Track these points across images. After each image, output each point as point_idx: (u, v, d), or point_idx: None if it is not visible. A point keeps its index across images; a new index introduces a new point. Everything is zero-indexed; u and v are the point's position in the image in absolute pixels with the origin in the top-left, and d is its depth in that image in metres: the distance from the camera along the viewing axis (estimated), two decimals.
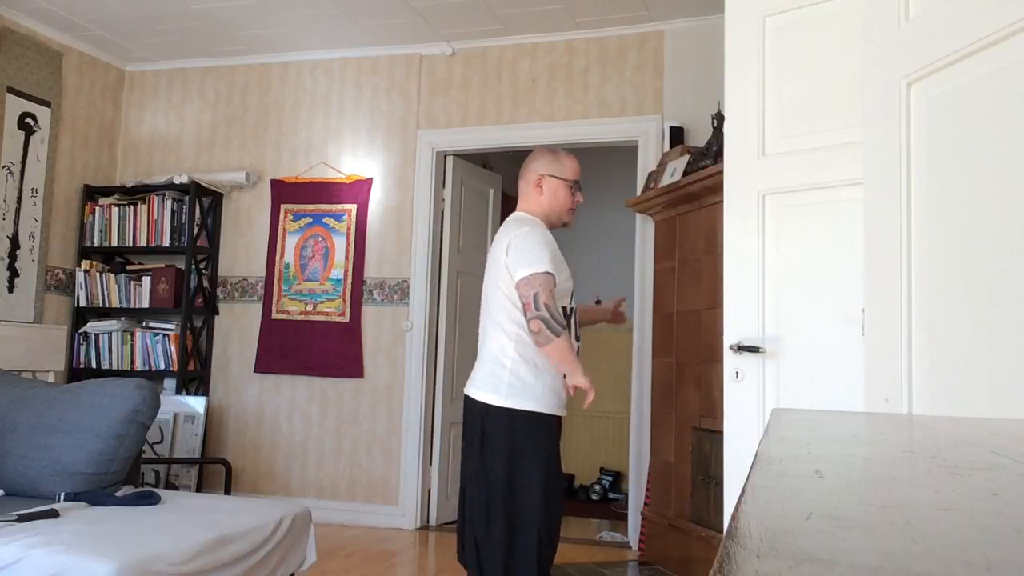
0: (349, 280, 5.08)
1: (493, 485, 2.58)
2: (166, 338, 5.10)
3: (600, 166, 6.26)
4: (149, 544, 2.29)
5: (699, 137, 4.41)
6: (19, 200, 4.84)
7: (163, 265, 5.19)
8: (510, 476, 2.57)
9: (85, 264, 5.20)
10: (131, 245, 5.23)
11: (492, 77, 5.01)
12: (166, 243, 5.16)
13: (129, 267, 5.34)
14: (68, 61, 5.17)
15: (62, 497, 2.75)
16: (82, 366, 5.16)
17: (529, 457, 2.57)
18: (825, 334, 2.57)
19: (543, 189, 2.75)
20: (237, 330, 5.27)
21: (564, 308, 2.67)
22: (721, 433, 2.87)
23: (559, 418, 2.69)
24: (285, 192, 5.26)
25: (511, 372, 2.60)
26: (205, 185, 5.21)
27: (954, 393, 1.63)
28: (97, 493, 2.79)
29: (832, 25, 2.57)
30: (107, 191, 5.32)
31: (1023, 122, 1.49)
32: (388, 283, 5.04)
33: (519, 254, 2.57)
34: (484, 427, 2.63)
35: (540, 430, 2.60)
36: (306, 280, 5.16)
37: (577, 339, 2.76)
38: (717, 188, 3.33)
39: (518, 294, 2.57)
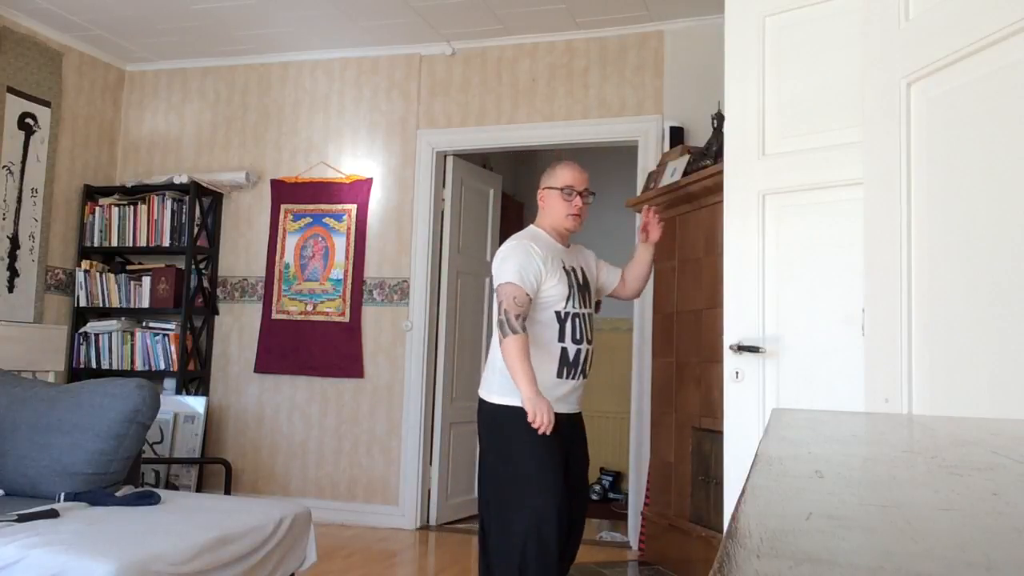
0: (349, 280, 5.08)
1: (482, 477, 2.87)
2: (166, 338, 5.10)
3: (600, 166, 6.25)
4: (149, 544, 2.29)
5: (699, 137, 4.41)
6: (19, 200, 4.84)
7: (163, 265, 5.19)
8: (495, 468, 2.80)
9: (85, 264, 5.20)
10: (131, 245, 5.23)
11: (492, 77, 5.01)
12: (166, 243, 5.16)
13: (129, 267, 5.34)
14: (68, 61, 5.17)
15: (62, 497, 2.75)
16: (82, 366, 5.16)
17: (509, 451, 2.76)
18: (825, 334, 2.57)
19: (544, 202, 2.98)
20: (237, 330, 5.27)
21: (558, 313, 2.83)
22: (721, 433, 2.87)
23: (562, 416, 2.77)
24: (285, 192, 5.26)
25: (500, 371, 2.80)
26: (205, 185, 5.21)
27: (954, 393, 1.63)
28: (97, 493, 2.79)
29: (832, 25, 2.57)
30: (107, 191, 5.32)
31: (1023, 122, 1.49)
32: (388, 283, 5.04)
33: (495, 266, 2.87)
34: (480, 422, 2.90)
35: (525, 425, 2.69)
36: (306, 280, 5.16)
37: (575, 341, 2.85)
38: (717, 188, 3.33)
39: None
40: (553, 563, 2.68)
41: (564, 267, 2.88)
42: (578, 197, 2.91)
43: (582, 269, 2.96)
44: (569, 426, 2.86)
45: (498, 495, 2.75)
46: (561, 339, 2.83)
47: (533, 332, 2.78)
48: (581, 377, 2.89)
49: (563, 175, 2.93)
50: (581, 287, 2.92)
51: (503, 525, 2.71)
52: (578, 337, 2.86)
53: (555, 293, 2.83)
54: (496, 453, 2.79)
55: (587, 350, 2.90)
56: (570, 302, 2.86)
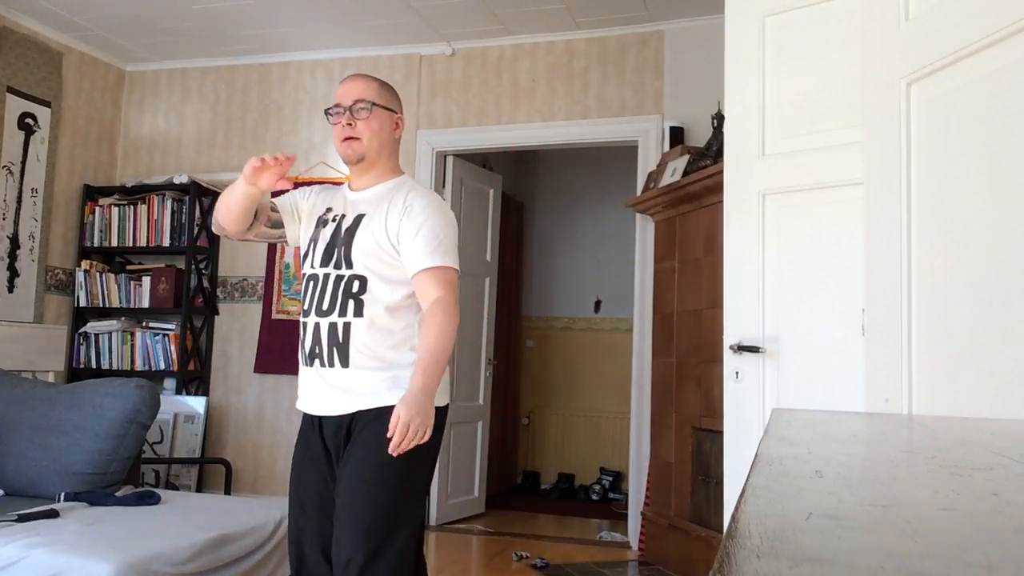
0: None
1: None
2: (166, 338, 5.10)
3: (600, 166, 6.25)
4: (149, 544, 2.29)
5: (699, 137, 4.41)
6: (19, 200, 4.84)
7: (163, 265, 5.19)
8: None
9: (85, 264, 5.19)
10: (131, 245, 5.22)
11: (492, 77, 5.01)
12: (166, 243, 5.16)
13: (129, 267, 5.34)
14: (68, 61, 5.16)
15: (62, 497, 2.75)
16: (82, 366, 5.16)
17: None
18: (825, 334, 2.57)
19: None
20: (237, 330, 5.27)
21: (303, 275, 2.16)
22: (721, 433, 2.87)
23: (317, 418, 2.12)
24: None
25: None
26: (205, 185, 5.21)
27: (954, 393, 1.63)
28: (97, 493, 2.79)
29: (832, 25, 2.57)
30: (107, 191, 5.32)
31: (1023, 122, 1.49)
32: None
33: None
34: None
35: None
36: None
37: (305, 313, 2.11)
38: (717, 188, 3.33)
39: None
40: None
41: (321, 216, 2.16)
42: (347, 113, 2.13)
43: (359, 217, 2.08)
44: (331, 432, 2.05)
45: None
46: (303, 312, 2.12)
47: None
48: (318, 364, 2.02)
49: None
50: (335, 240, 2.08)
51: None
52: (306, 307, 2.08)
53: (303, 247, 2.19)
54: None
55: (318, 324, 2.03)
56: (309, 260, 2.12)
